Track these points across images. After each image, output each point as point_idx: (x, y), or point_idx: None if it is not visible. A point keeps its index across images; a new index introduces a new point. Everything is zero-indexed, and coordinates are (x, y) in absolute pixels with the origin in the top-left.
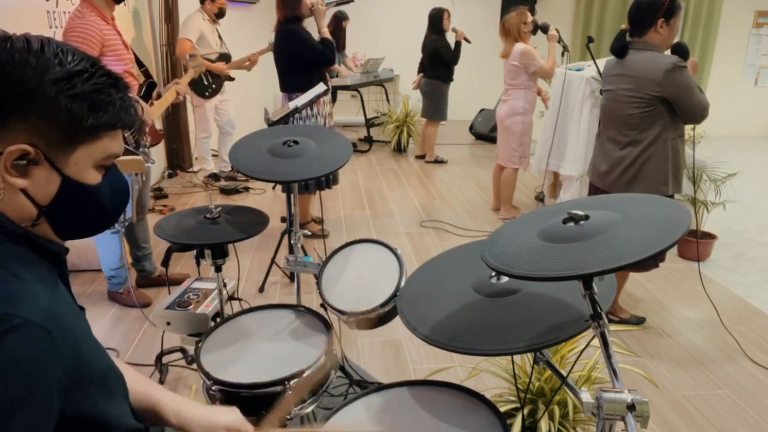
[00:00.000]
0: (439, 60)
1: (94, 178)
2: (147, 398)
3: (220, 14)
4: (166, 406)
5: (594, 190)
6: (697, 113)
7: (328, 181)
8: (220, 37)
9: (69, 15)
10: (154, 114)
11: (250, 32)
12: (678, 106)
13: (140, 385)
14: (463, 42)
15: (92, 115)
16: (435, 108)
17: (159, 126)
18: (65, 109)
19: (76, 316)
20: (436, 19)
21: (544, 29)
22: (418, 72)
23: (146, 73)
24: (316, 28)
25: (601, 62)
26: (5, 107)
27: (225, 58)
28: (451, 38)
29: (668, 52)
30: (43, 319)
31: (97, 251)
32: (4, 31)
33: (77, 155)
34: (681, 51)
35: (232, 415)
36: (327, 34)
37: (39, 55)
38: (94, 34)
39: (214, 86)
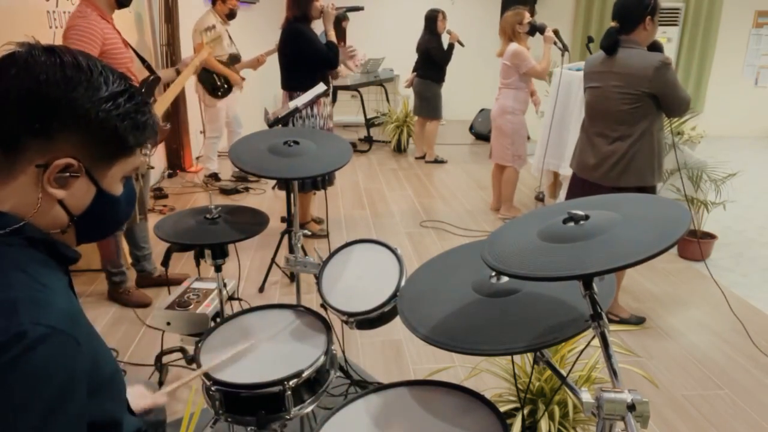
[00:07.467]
0: (430, 60)
1: (119, 189)
2: None
3: (231, 15)
4: None
5: (579, 182)
6: (682, 107)
7: (324, 181)
8: (230, 38)
9: (69, 14)
10: (158, 110)
11: (249, 32)
12: (664, 102)
13: None
14: (457, 44)
15: (135, 133)
16: (429, 107)
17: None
18: (112, 128)
19: (87, 319)
20: (431, 20)
21: (541, 30)
22: (413, 71)
23: (149, 68)
24: (319, 30)
25: None
26: (55, 123)
27: (235, 58)
28: (447, 40)
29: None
30: (68, 325)
31: (99, 251)
32: (38, 41)
33: (114, 170)
34: (658, 49)
35: (143, 399)
36: (333, 38)
37: (89, 75)
38: (95, 32)
39: (225, 86)
